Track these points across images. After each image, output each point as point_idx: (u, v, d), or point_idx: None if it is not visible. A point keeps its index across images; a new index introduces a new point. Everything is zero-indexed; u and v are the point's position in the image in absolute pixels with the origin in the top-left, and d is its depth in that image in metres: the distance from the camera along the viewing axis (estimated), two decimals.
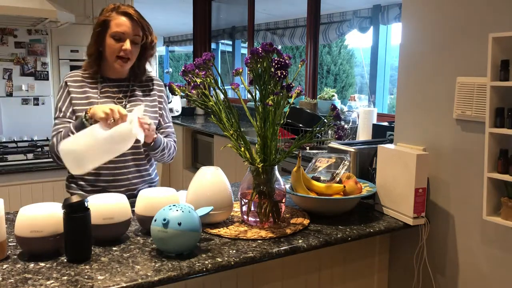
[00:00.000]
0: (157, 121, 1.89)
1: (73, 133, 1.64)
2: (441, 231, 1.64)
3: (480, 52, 1.45)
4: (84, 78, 1.81)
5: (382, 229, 1.54)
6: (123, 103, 1.82)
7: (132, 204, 1.42)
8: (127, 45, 1.72)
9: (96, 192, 1.64)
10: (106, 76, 1.83)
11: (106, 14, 1.75)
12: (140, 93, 1.87)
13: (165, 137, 1.91)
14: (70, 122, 1.74)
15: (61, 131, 1.71)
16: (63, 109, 1.77)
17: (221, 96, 1.42)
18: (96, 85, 1.81)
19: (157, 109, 1.90)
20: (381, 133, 2.66)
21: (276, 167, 1.46)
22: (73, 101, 1.77)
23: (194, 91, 1.40)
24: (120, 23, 1.72)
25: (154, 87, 1.92)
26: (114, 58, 1.74)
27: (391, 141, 1.90)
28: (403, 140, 1.76)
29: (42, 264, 1.18)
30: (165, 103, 1.95)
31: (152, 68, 1.96)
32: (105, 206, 1.32)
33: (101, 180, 1.79)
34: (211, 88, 1.42)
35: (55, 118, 1.79)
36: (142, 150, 1.84)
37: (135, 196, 1.48)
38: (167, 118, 1.96)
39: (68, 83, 1.78)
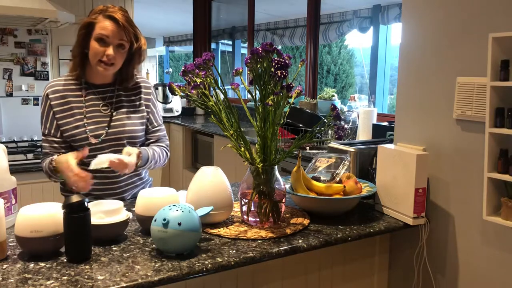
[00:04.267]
0: (144, 127, 1.85)
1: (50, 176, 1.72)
2: (441, 231, 1.64)
3: (480, 52, 1.45)
4: (67, 86, 1.75)
5: (382, 229, 1.54)
6: (108, 111, 1.77)
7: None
8: (110, 50, 1.65)
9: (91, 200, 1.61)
10: (90, 81, 1.77)
11: (92, 16, 1.69)
12: (126, 100, 1.82)
13: (155, 141, 1.86)
14: (54, 141, 1.73)
15: (47, 158, 1.72)
16: (47, 126, 1.75)
17: (221, 96, 1.42)
18: (80, 91, 1.75)
19: (144, 113, 1.85)
20: (381, 133, 2.66)
21: (276, 167, 1.46)
22: (56, 116, 1.73)
23: (194, 91, 1.40)
24: (105, 26, 1.65)
25: (141, 90, 1.85)
26: (96, 62, 1.68)
27: (391, 141, 1.90)
28: (403, 140, 1.76)
29: (42, 264, 1.18)
30: (154, 106, 1.89)
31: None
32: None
33: (95, 189, 1.74)
34: (211, 88, 1.42)
35: (42, 134, 1.77)
36: None
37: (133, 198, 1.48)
38: (157, 121, 1.89)
39: (50, 96, 1.73)
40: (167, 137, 1.94)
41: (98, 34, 1.66)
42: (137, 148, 1.72)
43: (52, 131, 1.74)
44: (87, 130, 1.73)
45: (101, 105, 1.77)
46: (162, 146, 1.88)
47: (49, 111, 1.74)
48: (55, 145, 1.75)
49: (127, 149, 1.69)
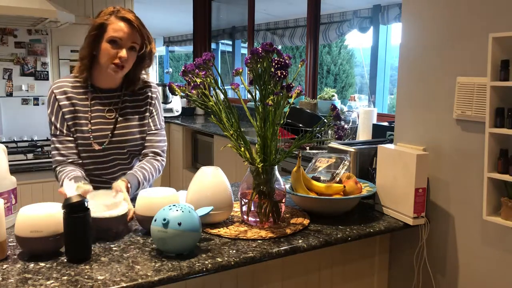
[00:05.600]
0: (145, 135, 1.80)
1: None
2: (441, 231, 1.64)
3: (480, 52, 1.45)
4: (73, 89, 1.70)
5: (382, 229, 1.54)
6: (113, 116, 1.74)
7: None
8: (123, 52, 1.62)
9: None
10: (96, 85, 1.72)
11: (104, 17, 1.64)
12: (131, 106, 1.78)
13: (149, 146, 1.78)
14: (68, 140, 1.68)
15: (68, 167, 1.64)
16: (58, 126, 1.69)
17: (221, 96, 1.42)
18: (86, 95, 1.71)
19: (146, 121, 1.80)
20: (381, 133, 2.66)
21: (276, 167, 1.46)
22: (66, 116, 1.68)
23: (194, 91, 1.40)
24: (118, 28, 1.62)
25: (147, 95, 1.81)
26: (108, 64, 1.64)
27: (391, 141, 1.90)
28: (403, 140, 1.76)
29: (42, 264, 1.18)
30: (155, 110, 1.82)
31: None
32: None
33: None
34: (211, 88, 1.42)
35: (52, 135, 1.70)
36: (128, 161, 1.79)
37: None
38: (155, 125, 1.82)
39: (57, 96, 1.68)
40: (165, 142, 1.85)
41: (111, 36, 1.62)
42: (123, 181, 1.59)
43: (65, 130, 1.69)
44: (91, 137, 1.70)
45: (106, 110, 1.73)
46: (154, 158, 1.78)
47: (59, 110, 1.69)
48: (70, 144, 1.69)
49: (115, 185, 1.54)
